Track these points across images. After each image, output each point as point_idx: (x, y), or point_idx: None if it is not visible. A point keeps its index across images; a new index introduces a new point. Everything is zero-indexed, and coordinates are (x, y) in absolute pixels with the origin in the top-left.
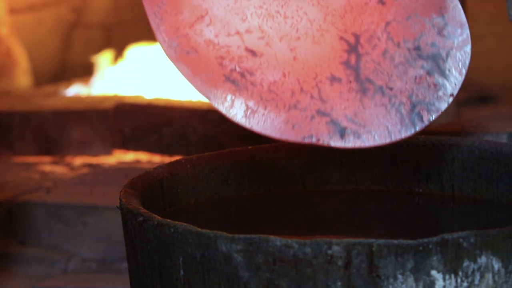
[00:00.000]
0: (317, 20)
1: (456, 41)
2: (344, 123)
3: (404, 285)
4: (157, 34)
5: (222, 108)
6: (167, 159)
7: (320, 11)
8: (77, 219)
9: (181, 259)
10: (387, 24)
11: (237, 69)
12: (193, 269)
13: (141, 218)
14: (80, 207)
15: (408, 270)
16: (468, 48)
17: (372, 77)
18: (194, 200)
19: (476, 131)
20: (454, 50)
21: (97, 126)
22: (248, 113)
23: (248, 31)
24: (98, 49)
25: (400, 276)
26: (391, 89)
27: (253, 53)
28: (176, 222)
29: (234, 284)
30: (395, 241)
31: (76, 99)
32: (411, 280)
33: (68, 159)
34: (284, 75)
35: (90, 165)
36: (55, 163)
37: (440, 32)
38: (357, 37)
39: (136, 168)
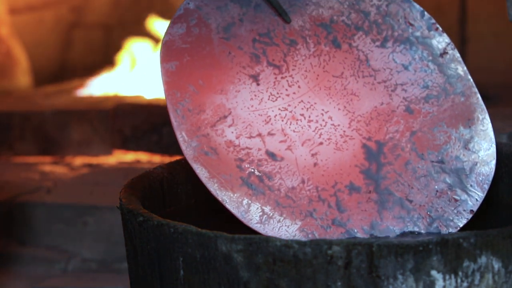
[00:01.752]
0: (341, 126)
1: (481, 156)
2: (360, 234)
3: (404, 285)
4: (177, 133)
5: (237, 212)
6: (167, 159)
7: (346, 116)
8: (77, 219)
9: (181, 259)
10: (413, 133)
11: (256, 172)
12: (193, 269)
13: (141, 218)
14: (80, 207)
15: (408, 270)
16: (493, 164)
17: (392, 188)
18: (194, 200)
19: None
20: (478, 165)
21: (97, 126)
22: (264, 218)
23: (270, 134)
24: (98, 49)
25: (400, 276)
26: (410, 201)
27: (273, 156)
28: (176, 222)
29: (234, 284)
30: (395, 241)
31: (76, 99)
32: (411, 280)
33: (68, 159)
34: (303, 182)
35: (90, 165)
36: (55, 163)
37: (466, 146)
38: (380, 145)
39: (136, 168)
